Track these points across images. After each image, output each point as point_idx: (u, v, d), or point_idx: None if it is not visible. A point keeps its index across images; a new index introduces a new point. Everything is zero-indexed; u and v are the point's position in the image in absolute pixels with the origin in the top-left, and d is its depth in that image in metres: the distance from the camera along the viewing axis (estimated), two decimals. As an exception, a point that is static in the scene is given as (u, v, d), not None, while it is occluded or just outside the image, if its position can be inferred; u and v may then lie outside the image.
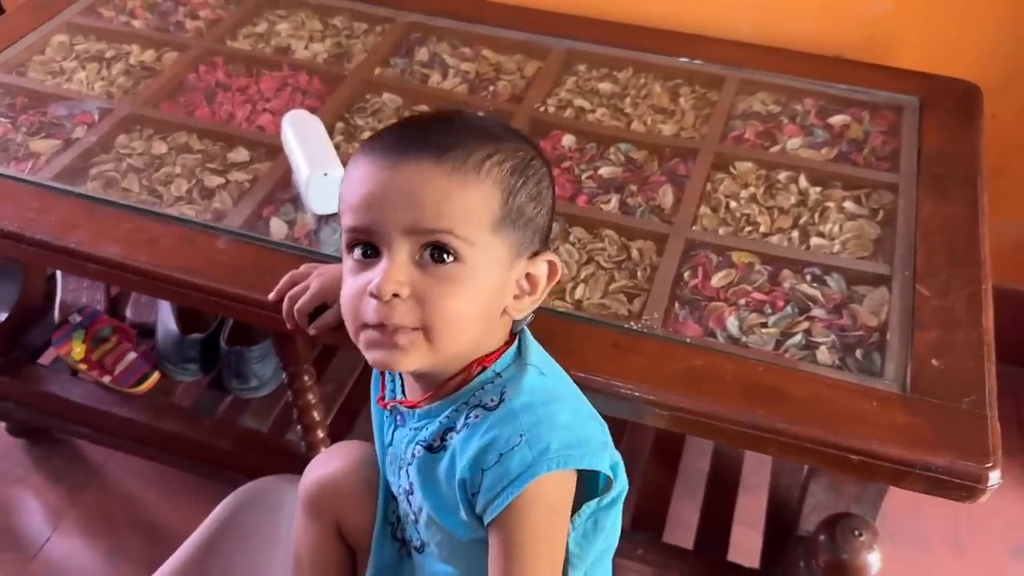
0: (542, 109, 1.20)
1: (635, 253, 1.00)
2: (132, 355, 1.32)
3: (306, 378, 1.07)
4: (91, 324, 1.35)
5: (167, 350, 1.31)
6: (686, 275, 0.97)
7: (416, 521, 0.76)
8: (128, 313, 1.42)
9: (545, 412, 0.66)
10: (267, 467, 1.07)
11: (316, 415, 1.12)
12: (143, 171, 1.09)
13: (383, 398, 0.79)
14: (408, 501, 0.76)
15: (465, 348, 0.68)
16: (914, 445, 0.78)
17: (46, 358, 1.39)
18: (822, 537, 0.98)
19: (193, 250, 0.98)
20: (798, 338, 0.90)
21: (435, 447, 0.71)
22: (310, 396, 1.09)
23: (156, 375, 1.31)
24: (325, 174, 1.00)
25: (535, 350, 0.73)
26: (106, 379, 1.30)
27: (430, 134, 0.66)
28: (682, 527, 1.19)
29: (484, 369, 0.70)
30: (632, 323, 0.90)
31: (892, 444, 0.79)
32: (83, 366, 1.31)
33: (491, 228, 0.65)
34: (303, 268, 0.91)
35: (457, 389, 0.70)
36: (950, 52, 1.29)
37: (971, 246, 0.98)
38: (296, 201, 1.06)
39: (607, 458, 0.69)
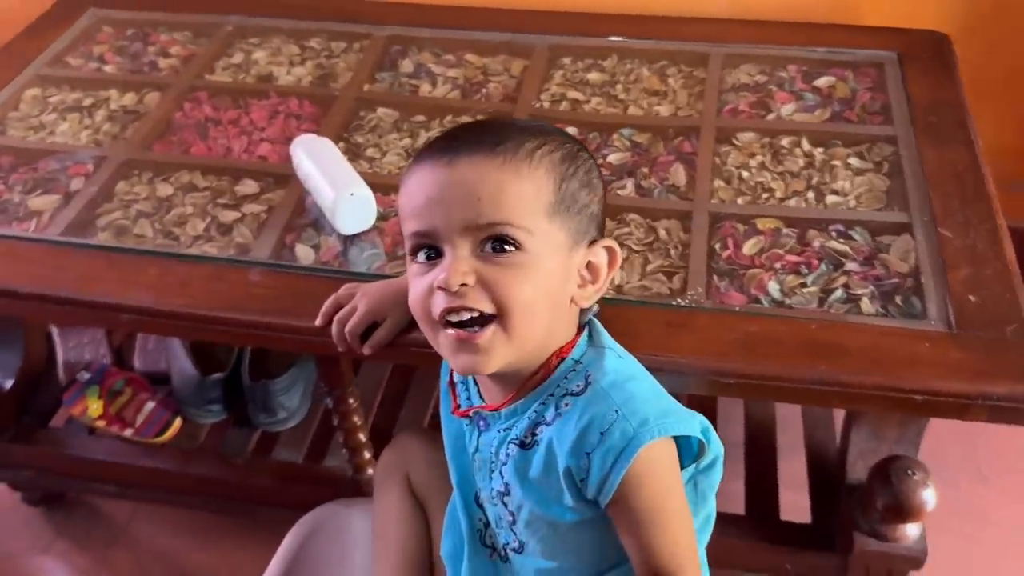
0: (538, 105, 1.21)
1: (663, 233, 1.02)
2: (151, 404, 1.29)
3: (351, 400, 1.06)
4: (103, 379, 1.32)
5: (187, 394, 1.29)
6: (717, 247, 0.99)
7: (514, 522, 0.77)
8: (136, 363, 1.39)
9: (633, 387, 0.69)
10: (311, 497, 1.06)
11: (362, 436, 1.11)
12: (153, 215, 1.08)
13: (458, 407, 0.79)
14: (503, 503, 0.76)
15: (540, 336, 0.70)
16: (972, 378, 0.82)
17: (57, 420, 1.36)
18: (877, 483, 1.02)
19: (227, 287, 0.97)
20: (839, 293, 0.92)
21: (527, 443, 0.71)
22: (355, 418, 1.09)
23: (179, 421, 1.28)
24: (352, 194, 1.00)
25: (607, 336, 0.74)
26: (128, 432, 1.27)
27: (480, 134, 0.69)
28: (731, 497, 1.21)
29: (563, 359, 0.71)
30: (679, 300, 0.92)
31: (952, 380, 0.82)
32: (102, 422, 1.28)
33: (547, 214, 0.67)
34: (345, 290, 0.90)
35: (541, 383, 0.71)
36: (913, 5, 1.34)
37: (979, 185, 1.02)
38: (316, 225, 1.05)
39: (697, 423, 0.70)
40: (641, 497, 0.66)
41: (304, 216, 1.07)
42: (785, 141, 1.13)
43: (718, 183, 1.07)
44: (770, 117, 1.17)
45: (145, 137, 1.19)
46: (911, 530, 1.05)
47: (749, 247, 0.99)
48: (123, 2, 1.46)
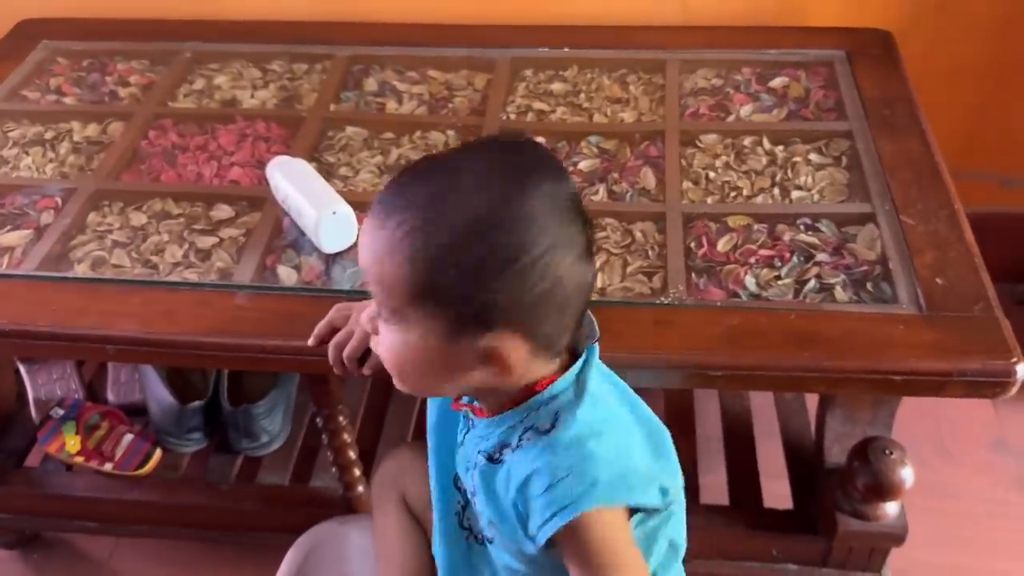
0: (505, 117, 1.23)
1: (639, 235, 1.05)
2: (129, 436, 1.28)
3: (341, 419, 1.07)
4: (78, 414, 1.30)
5: (166, 424, 1.28)
6: (692, 246, 1.02)
7: (479, 520, 0.77)
8: (110, 396, 1.36)
9: (594, 446, 0.66)
10: (301, 519, 1.06)
11: (352, 454, 1.12)
12: (129, 244, 1.07)
13: (459, 398, 0.79)
14: (473, 501, 0.77)
15: (427, 394, 0.75)
16: (946, 356, 0.86)
17: (32, 460, 1.33)
18: (856, 463, 1.06)
19: (213, 312, 0.97)
20: (812, 283, 0.96)
21: (494, 458, 0.72)
22: (346, 436, 1.09)
23: (159, 452, 1.27)
24: (334, 212, 1.01)
25: (595, 375, 0.71)
26: (108, 466, 1.25)
27: (393, 196, 0.65)
28: (713, 489, 1.24)
29: (542, 390, 0.69)
30: (662, 298, 0.95)
31: (928, 359, 0.86)
32: (80, 458, 1.26)
33: (410, 297, 0.63)
34: (338, 311, 0.91)
35: (516, 405, 0.70)
36: (858, 5, 1.40)
37: (935, 174, 1.07)
38: (296, 246, 1.06)
39: (654, 489, 0.69)
40: (580, 552, 0.66)
41: (282, 238, 1.07)
42: (747, 141, 1.17)
43: (687, 184, 1.11)
44: (730, 119, 1.21)
45: (113, 167, 1.18)
46: (891, 508, 1.09)
47: (723, 244, 1.02)
48: (75, 33, 1.45)
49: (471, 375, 0.67)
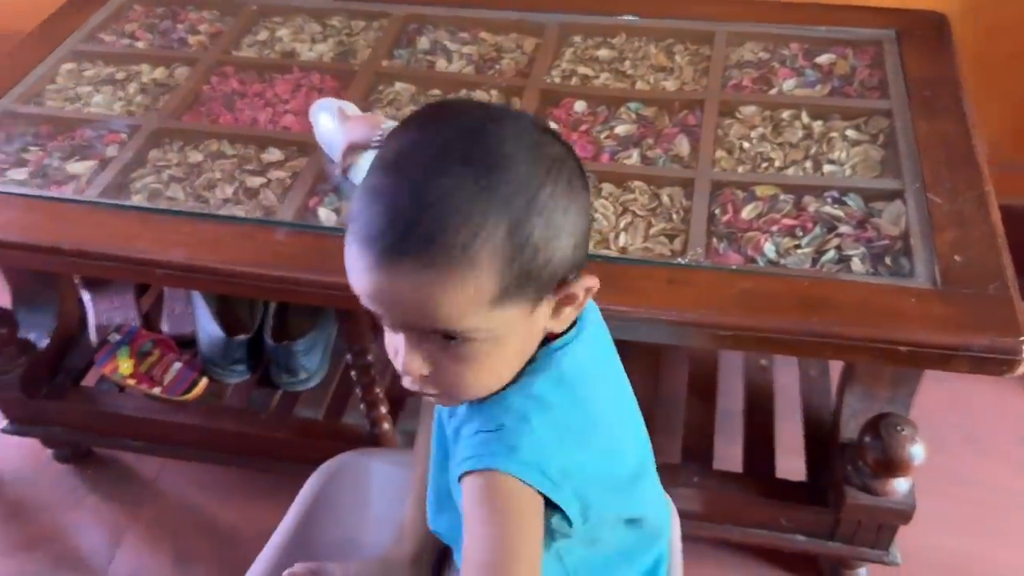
0: (549, 80, 1.27)
1: (665, 199, 1.07)
2: (178, 364, 1.36)
3: (369, 356, 1.13)
4: (133, 340, 1.38)
5: (213, 354, 1.36)
6: (717, 212, 1.04)
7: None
8: (164, 327, 1.45)
9: (536, 419, 0.64)
10: (330, 451, 1.11)
11: (379, 391, 1.17)
12: (184, 180, 1.14)
13: None
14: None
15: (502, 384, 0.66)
16: (955, 330, 0.87)
17: (89, 380, 1.42)
18: (867, 438, 1.07)
19: (255, 245, 1.03)
20: (831, 254, 0.98)
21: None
22: (373, 373, 1.15)
23: (204, 381, 1.35)
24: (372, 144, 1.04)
25: (577, 350, 0.68)
26: (156, 390, 1.33)
27: (409, 223, 0.56)
28: (730, 459, 1.27)
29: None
30: (680, 259, 0.98)
31: (935, 332, 0.87)
32: (132, 381, 1.34)
33: (492, 306, 0.59)
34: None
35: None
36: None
37: (969, 156, 1.07)
38: (338, 190, 1.11)
39: (571, 497, 0.64)
40: (473, 509, 0.63)
41: (326, 183, 1.13)
42: (785, 114, 1.18)
43: (720, 153, 1.13)
44: (772, 92, 1.22)
45: (175, 108, 1.25)
46: (900, 485, 1.10)
47: (747, 212, 1.04)
48: (153, -18, 1.53)
49: (532, 342, 0.65)
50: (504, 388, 0.65)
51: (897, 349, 0.87)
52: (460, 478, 0.64)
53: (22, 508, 1.45)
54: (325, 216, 1.07)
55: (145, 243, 1.04)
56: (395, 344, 0.63)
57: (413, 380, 0.64)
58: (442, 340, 0.60)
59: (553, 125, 1.19)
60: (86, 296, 1.47)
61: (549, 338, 0.67)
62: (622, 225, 1.04)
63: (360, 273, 0.59)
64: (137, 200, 1.11)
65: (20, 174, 1.15)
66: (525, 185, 0.58)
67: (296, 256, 1.01)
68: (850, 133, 1.14)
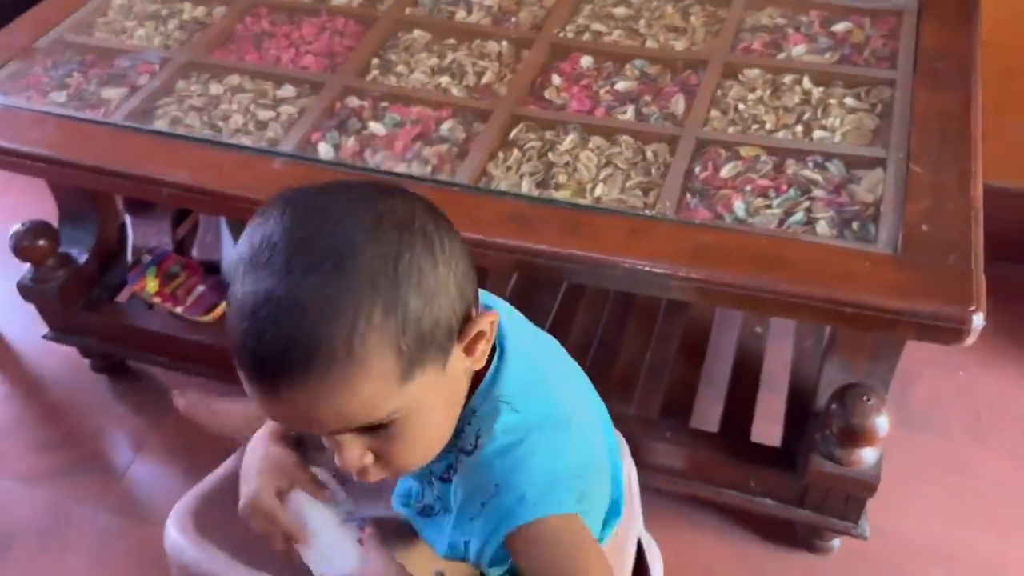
0: (561, 35, 1.29)
1: (650, 155, 1.09)
2: (201, 287, 1.45)
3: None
4: (162, 262, 1.48)
5: (232, 281, 1.44)
6: (696, 169, 1.06)
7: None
8: (194, 252, 1.54)
9: (518, 455, 0.65)
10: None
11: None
12: (203, 110, 1.21)
13: None
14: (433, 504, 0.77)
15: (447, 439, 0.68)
16: (903, 296, 0.87)
17: (123, 296, 1.53)
18: (834, 406, 1.07)
19: (252, 172, 1.10)
20: (799, 216, 0.98)
21: (446, 479, 0.72)
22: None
23: (223, 305, 1.43)
24: None
25: (511, 374, 0.68)
26: (178, 309, 1.43)
27: (284, 338, 0.55)
28: (706, 419, 1.28)
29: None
30: (646, 211, 1.00)
31: (883, 296, 0.87)
32: (157, 299, 1.44)
33: (401, 381, 0.59)
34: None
35: None
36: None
37: (963, 131, 1.05)
38: (341, 127, 1.17)
39: (575, 496, 0.66)
40: (529, 562, 0.65)
41: (332, 119, 1.18)
42: (787, 79, 1.17)
43: (714, 113, 1.13)
44: (780, 56, 1.21)
45: (207, 44, 1.33)
46: (867, 455, 1.10)
47: (726, 171, 1.05)
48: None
49: (463, 383, 0.66)
50: (472, 450, 0.66)
51: (842, 310, 0.88)
52: (487, 558, 0.66)
53: (57, 410, 1.57)
54: (324, 151, 1.13)
55: (156, 164, 1.12)
56: (329, 445, 0.63)
57: (360, 472, 0.64)
58: (370, 430, 0.61)
59: (556, 79, 1.22)
60: (128, 219, 1.58)
61: (478, 375, 0.68)
62: (601, 176, 1.06)
63: (262, 402, 0.59)
64: (157, 125, 1.19)
65: (60, 97, 1.25)
66: (380, 266, 0.57)
67: (288, 184, 1.07)
68: (849, 101, 1.13)
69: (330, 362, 0.55)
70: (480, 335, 0.64)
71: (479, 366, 0.66)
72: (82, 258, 1.47)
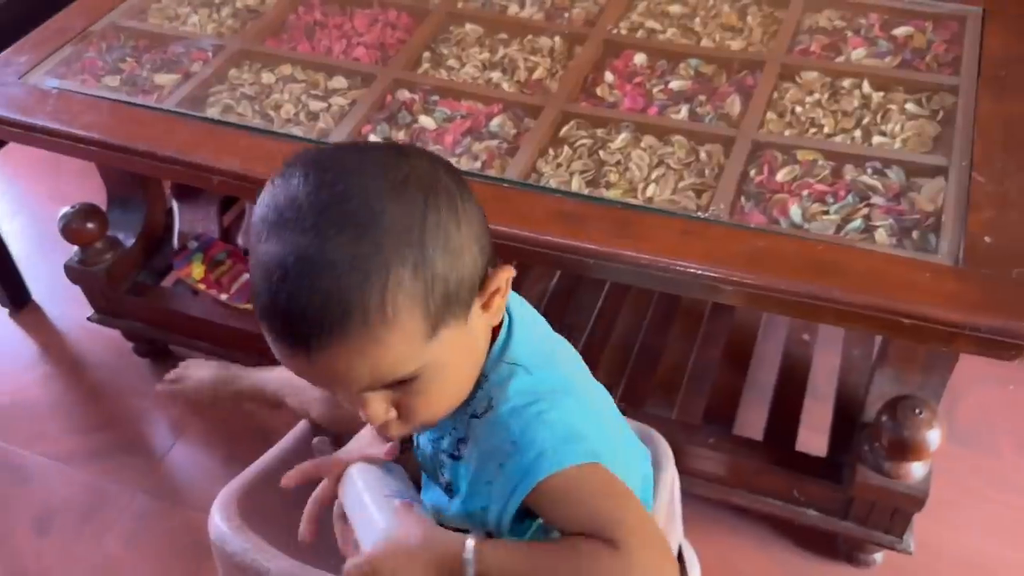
0: (615, 31, 1.28)
1: (703, 155, 1.07)
2: (246, 276, 1.45)
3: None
4: (208, 249, 1.49)
5: (275, 270, 1.44)
6: (752, 172, 1.04)
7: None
8: (240, 240, 1.55)
9: (534, 412, 0.64)
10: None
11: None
12: (255, 99, 1.22)
13: None
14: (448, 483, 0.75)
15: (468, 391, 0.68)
16: (964, 309, 0.85)
17: (167, 281, 1.54)
18: (884, 418, 1.05)
19: (302, 162, 1.09)
20: (857, 223, 0.96)
21: (456, 456, 0.71)
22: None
23: (266, 293, 1.44)
24: None
25: (521, 340, 0.69)
26: (223, 296, 1.43)
27: (317, 300, 0.56)
28: (750, 428, 1.26)
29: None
30: (700, 213, 0.98)
31: (943, 308, 0.85)
32: (202, 285, 1.45)
33: (426, 339, 0.60)
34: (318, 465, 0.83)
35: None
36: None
37: (1028, 139, 1.02)
38: (391, 120, 1.16)
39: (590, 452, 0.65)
40: (556, 515, 0.63)
41: (383, 112, 1.18)
42: (846, 83, 1.15)
43: (770, 115, 1.11)
44: (839, 60, 1.19)
45: (260, 33, 1.33)
46: (915, 469, 1.07)
47: (783, 174, 1.03)
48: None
49: (483, 338, 0.66)
50: (484, 413, 0.66)
51: (899, 321, 0.86)
52: (508, 519, 0.65)
53: (99, 393, 1.59)
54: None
55: (207, 152, 1.12)
56: (350, 404, 0.64)
57: (383, 427, 0.65)
58: (395, 386, 0.62)
59: (609, 76, 1.21)
60: (175, 204, 1.59)
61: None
62: (653, 176, 1.05)
63: (288, 360, 0.60)
64: (210, 113, 1.19)
65: (113, 81, 1.26)
66: (408, 227, 0.58)
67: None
68: (910, 107, 1.10)
69: (364, 322, 0.56)
70: (497, 291, 0.65)
71: (495, 321, 0.67)
72: (129, 242, 1.48)
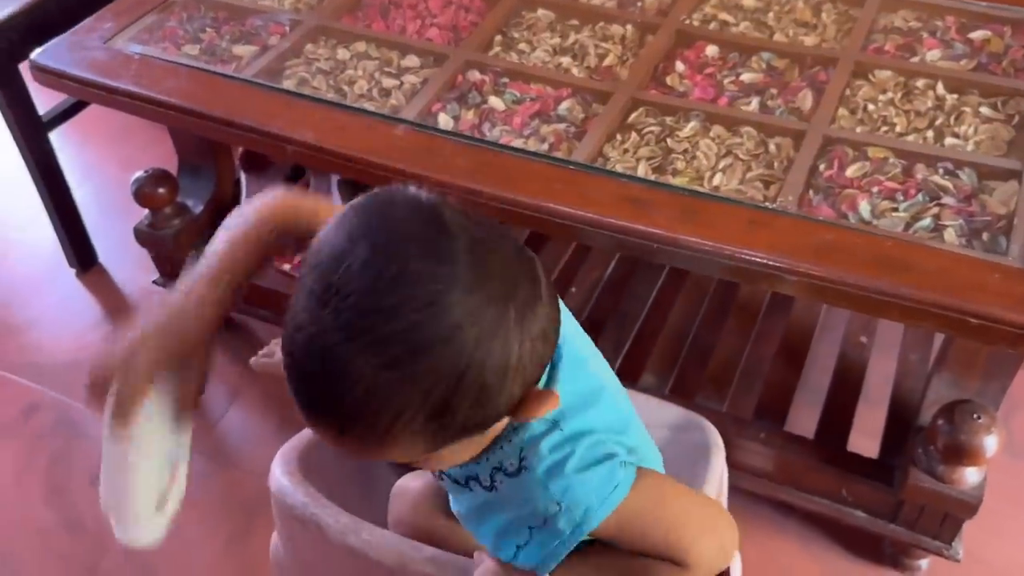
0: (687, 22, 1.28)
1: (772, 148, 1.07)
2: (307, 247, 1.48)
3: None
4: (272, 219, 1.52)
5: (337, 243, 1.47)
6: (822, 166, 1.04)
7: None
8: (302, 213, 1.58)
9: (572, 468, 0.62)
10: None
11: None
12: (329, 73, 1.24)
13: None
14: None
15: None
16: (1034, 312, 0.84)
17: (232, 250, 1.58)
18: (941, 421, 1.04)
19: (375, 136, 1.12)
20: (927, 222, 0.95)
21: (486, 486, 0.68)
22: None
23: (327, 266, 1.46)
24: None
25: (565, 389, 0.63)
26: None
27: (331, 404, 0.54)
28: (801, 428, 1.25)
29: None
30: (768, 203, 0.98)
31: (1012, 310, 0.84)
32: (265, 255, 1.48)
33: (429, 453, 0.58)
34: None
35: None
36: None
37: (1107, 146, 1.00)
38: (461, 100, 1.18)
39: (631, 470, 0.64)
40: (625, 544, 0.65)
41: (453, 92, 1.20)
42: (920, 83, 1.14)
43: (842, 112, 1.11)
44: (913, 60, 1.18)
45: (337, 9, 1.36)
46: (970, 475, 1.06)
47: (853, 170, 1.03)
48: None
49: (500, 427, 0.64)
50: (516, 471, 0.64)
51: (967, 320, 0.85)
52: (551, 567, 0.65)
53: (161, 353, 1.63)
54: (444, 121, 1.15)
55: (282, 122, 1.15)
56: None
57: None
58: None
59: (680, 66, 1.21)
60: (243, 176, 1.63)
61: None
62: (721, 166, 1.05)
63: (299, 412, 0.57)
64: (286, 85, 1.22)
65: (193, 50, 1.30)
66: (446, 371, 0.52)
67: (408, 150, 1.09)
68: (984, 110, 1.09)
69: (368, 433, 0.54)
70: (529, 414, 0.59)
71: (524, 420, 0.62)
72: (198, 209, 1.52)
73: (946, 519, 1.11)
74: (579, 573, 0.66)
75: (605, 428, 0.65)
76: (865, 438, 1.24)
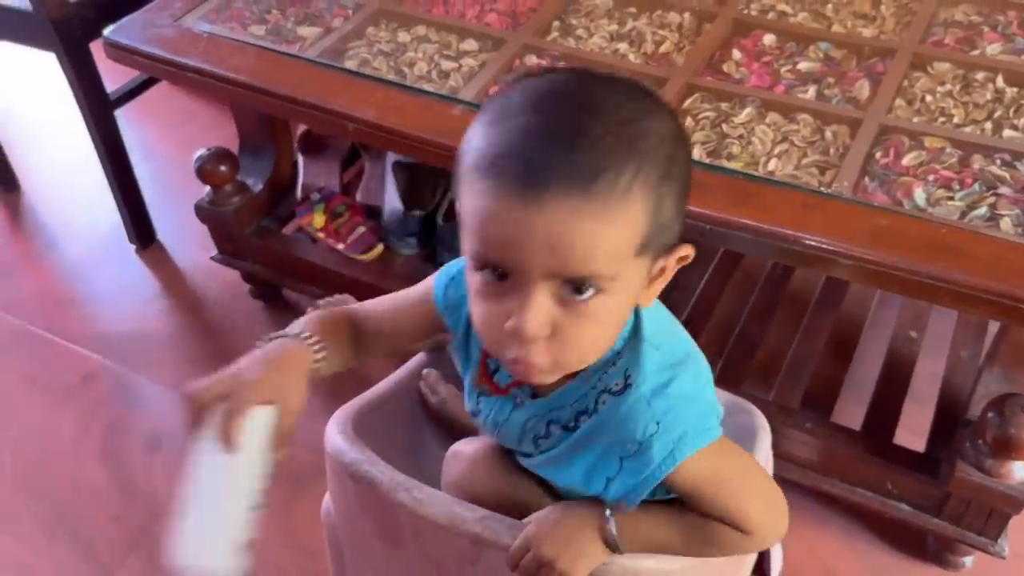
0: (745, 11, 1.29)
1: (828, 135, 1.08)
2: (362, 228, 1.52)
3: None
4: (329, 201, 1.56)
5: (392, 225, 1.50)
6: (877, 154, 1.04)
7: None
8: (359, 195, 1.61)
9: (674, 391, 0.65)
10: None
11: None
12: (390, 55, 1.27)
13: (488, 377, 0.76)
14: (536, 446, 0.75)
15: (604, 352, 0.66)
16: (1090, 301, 0.84)
17: (289, 228, 1.61)
18: (991, 414, 1.04)
19: (433, 116, 1.14)
20: (982, 210, 0.95)
21: (570, 427, 0.70)
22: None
23: (380, 247, 1.50)
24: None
25: (648, 316, 0.68)
26: (339, 246, 1.50)
27: (572, 154, 0.55)
28: (848, 416, 1.25)
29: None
30: (823, 188, 0.99)
31: (1067, 298, 0.84)
32: (321, 234, 1.52)
33: (635, 254, 0.59)
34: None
35: (582, 371, 0.68)
36: None
37: None
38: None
39: (719, 425, 0.69)
40: (693, 492, 0.68)
41: (510, 75, 1.22)
42: (980, 75, 1.14)
43: (899, 102, 1.11)
44: (973, 53, 1.18)
45: (401, -6, 1.39)
46: (1019, 469, 1.05)
47: (909, 159, 1.03)
48: None
49: (629, 310, 0.65)
50: (622, 390, 0.66)
51: (1019, 307, 0.85)
52: (637, 499, 0.67)
53: (213, 329, 1.67)
54: (502, 103, 1.17)
55: (345, 100, 1.18)
56: (506, 307, 0.59)
57: (524, 343, 0.59)
58: (570, 294, 0.58)
59: (737, 54, 1.22)
60: (300, 158, 1.67)
61: None
62: (776, 152, 1.06)
63: (501, 211, 0.55)
64: (348, 65, 1.25)
65: (259, 30, 1.33)
66: (667, 141, 0.59)
67: (465, 130, 1.11)
68: (1046, 103, 1.09)
69: (607, 188, 0.55)
70: (663, 270, 0.63)
71: (648, 303, 0.66)
72: (257, 187, 1.56)
73: (992, 514, 1.10)
74: (645, 526, 0.70)
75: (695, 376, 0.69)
76: (912, 436, 1.23)
